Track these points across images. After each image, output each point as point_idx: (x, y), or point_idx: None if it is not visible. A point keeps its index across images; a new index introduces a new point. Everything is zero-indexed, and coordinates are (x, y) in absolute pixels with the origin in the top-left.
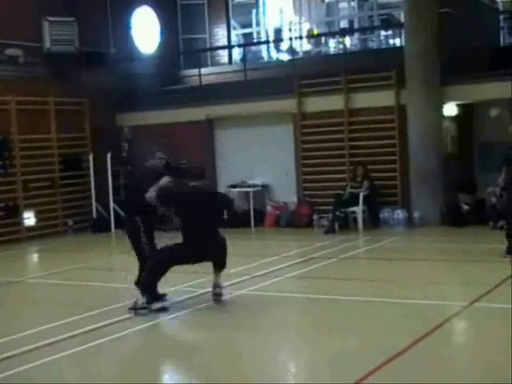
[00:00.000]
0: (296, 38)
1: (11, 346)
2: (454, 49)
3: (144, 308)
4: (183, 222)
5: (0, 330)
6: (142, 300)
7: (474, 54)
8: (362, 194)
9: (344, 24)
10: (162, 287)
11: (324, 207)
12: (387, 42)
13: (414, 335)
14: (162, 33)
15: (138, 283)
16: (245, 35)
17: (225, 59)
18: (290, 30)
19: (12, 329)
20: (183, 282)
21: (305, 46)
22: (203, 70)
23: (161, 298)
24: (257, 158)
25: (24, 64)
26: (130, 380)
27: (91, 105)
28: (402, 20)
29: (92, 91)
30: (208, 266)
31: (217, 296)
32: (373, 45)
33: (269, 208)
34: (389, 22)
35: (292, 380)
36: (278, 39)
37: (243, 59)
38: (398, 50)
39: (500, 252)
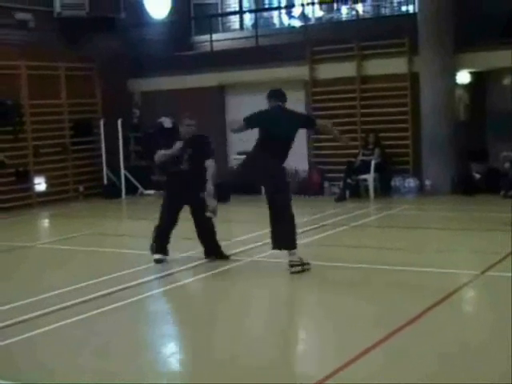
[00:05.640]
0: (308, 3)
1: (24, 310)
2: (467, 15)
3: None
4: None
5: (13, 295)
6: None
7: (488, 20)
8: (373, 162)
9: None
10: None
11: (335, 175)
12: (400, 9)
13: (425, 303)
14: None
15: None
16: (256, 1)
17: (236, 25)
18: None
19: (25, 293)
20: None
21: (317, 12)
22: (214, 36)
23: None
24: None
25: (34, 29)
26: (142, 343)
27: (102, 70)
28: None
29: (103, 56)
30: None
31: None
32: (385, 11)
33: None
34: None
35: (300, 342)
36: (289, 5)
37: (255, 25)
38: (411, 16)
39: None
